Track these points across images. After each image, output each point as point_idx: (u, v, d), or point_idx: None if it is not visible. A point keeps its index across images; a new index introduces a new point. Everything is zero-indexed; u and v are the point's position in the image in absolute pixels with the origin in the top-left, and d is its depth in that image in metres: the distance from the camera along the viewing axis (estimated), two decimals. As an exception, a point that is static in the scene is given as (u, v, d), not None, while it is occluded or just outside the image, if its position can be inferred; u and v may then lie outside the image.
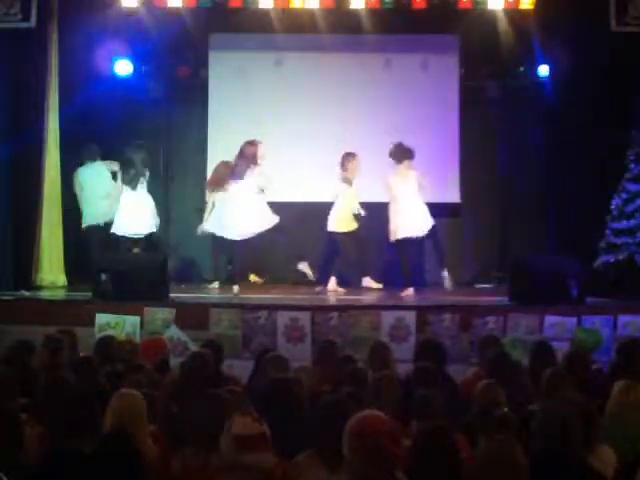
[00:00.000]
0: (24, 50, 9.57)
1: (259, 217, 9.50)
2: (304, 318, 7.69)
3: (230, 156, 10.11)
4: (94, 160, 10.15)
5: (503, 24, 10.41)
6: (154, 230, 9.86)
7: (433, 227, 9.62)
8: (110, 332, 7.30)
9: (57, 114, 9.95)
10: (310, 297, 9.24)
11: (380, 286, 9.82)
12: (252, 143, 9.57)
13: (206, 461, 3.75)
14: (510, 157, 10.78)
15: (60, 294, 9.51)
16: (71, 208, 10.18)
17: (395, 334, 7.59)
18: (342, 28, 10.70)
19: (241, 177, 9.47)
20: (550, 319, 7.68)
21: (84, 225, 10.12)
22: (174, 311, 7.83)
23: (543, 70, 10.81)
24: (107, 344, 6.11)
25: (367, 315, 7.83)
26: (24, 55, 9.60)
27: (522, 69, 11.08)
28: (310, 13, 10.45)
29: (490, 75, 11.16)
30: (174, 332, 7.12)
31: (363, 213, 9.86)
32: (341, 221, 9.84)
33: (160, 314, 7.82)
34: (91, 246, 10.10)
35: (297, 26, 10.68)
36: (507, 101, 11.21)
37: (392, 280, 10.02)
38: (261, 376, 5.21)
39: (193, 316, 7.85)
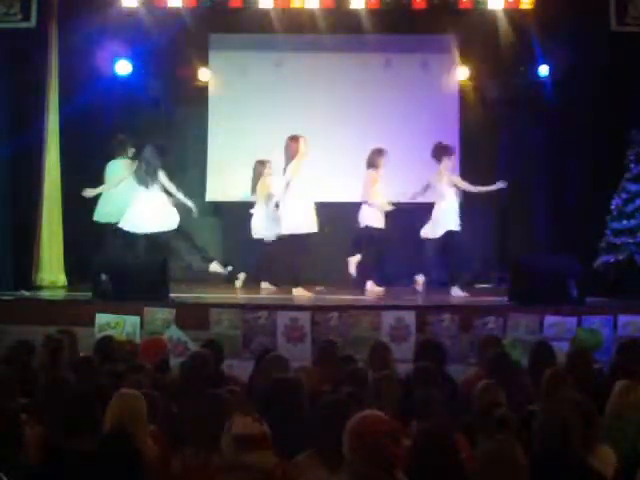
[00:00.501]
0: (24, 50, 9.57)
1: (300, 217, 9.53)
2: (304, 318, 7.69)
3: (229, 156, 10.12)
4: (123, 156, 10.04)
5: (503, 24, 10.40)
6: (165, 229, 9.67)
7: (451, 233, 9.65)
8: (110, 332, 7.30)
9: (57, 114, 9.95)
10: (311, 297, 9.27)
11: (382, 290, 9.83)
12: (293, 139, 9.61)
13: (206, 461, 3.75)
14: (510, 157, 10.78)
15: (60, 294, 9.51)
16: (71, 208, 10.17)
17: (395, 334, 7.59)
18: (342, 28, 10.70)
19: (284, 174, 9.57)
20: (550, 319, 7.68)
21: (97, 219, 10.00)
22: (174, 311, 7.83)
23: (543, 70, 10.80)
24: (107, 344, 6.11)
25: (367, 315, 7.83)
26: (24, 55, 9.60)
27: (522, 69, 11.08)
28: (310, 13, 10.44)
29: (490, 75, 11.16)
30: (174, 332, 7.13)
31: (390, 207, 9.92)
32: (372, 216, 9.90)
33: (160, 314, 7.82)
34: (103, 243, 9.99)
35: (297, 26, 10.67)
36: (507, 101, 11.21)
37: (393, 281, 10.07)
38: (261, 376, 5.21)
39: (193, 316, 7.85)
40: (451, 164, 9.83)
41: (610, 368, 5.73)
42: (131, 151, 10.10)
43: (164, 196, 9.65)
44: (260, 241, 9.93)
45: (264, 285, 9.99)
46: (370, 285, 9.86)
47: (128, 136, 10.22)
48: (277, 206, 9.80)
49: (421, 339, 6.96)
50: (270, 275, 10.02)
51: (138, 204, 9.57)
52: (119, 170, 10.01)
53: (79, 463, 3.68)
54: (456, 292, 9.52)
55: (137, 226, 9.56)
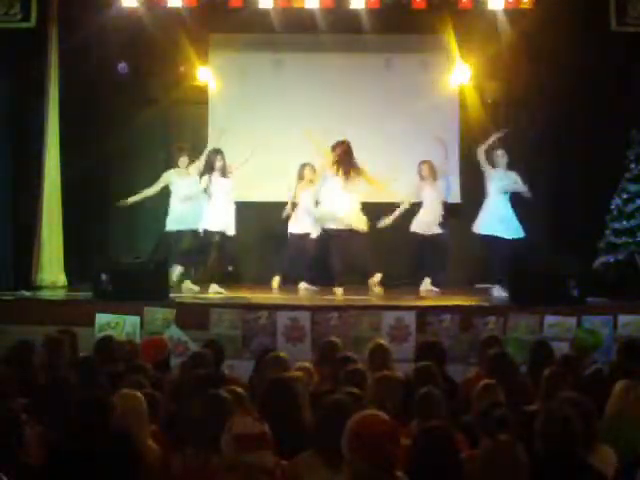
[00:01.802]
0: (24, 50, 9.57)
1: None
2: (304, 318, 7.70)
3: (229, 156, 10.08)
4: (175, 165, 10.00)
5: (503, 24, 10.39)
6: (224, 230, 9.68)
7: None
8: (110, 332, 7.30)
9: (57, 114, 9.95)
10: (310, 297, 9.26)
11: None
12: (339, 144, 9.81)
13: (206, 461, 3.75)
14: (510, 157, 10.76)
15: (60, 294, 9.51)
16: (71, 208, 10.17)
17: (395, 334, 7.59)
18: (342, 28, 10.69)
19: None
20: (550, 319, 7.70)
21: (166, 229, 9.99)
22: (174, 311, 7.85)
23: (543, 69, 10.78)
24: (107, 344, 6.11)
25: (367, 315, 7.84)
26: (24, 55, 9.60)
27: (520, 69, 11.05)
28: (310, 13, 10.43)
29: (490, 75, 11.14)
30: (174, 332, 7.14)
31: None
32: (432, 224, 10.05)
33: (160, 314, 7.83)
34: (174, 252, 9.93)
35: (297, 26, 10.67)
36: (507, 101, 11.20)
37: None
38: (261, 376, 5.21)
39: (193, 316, 7.87)
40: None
41: (610, 368, 5.73)
42: (183, 161, 10.01)
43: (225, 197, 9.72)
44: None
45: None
46: (426, 284, 9.87)
47: (186, 145, 10.19)
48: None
49: (421, 339, 6.97)
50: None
51: (212, 204, 9.66)
52: (171, 178, 9.99)
53: (79, 463, 3.68)
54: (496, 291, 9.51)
55: (211, 225, 9.65)
